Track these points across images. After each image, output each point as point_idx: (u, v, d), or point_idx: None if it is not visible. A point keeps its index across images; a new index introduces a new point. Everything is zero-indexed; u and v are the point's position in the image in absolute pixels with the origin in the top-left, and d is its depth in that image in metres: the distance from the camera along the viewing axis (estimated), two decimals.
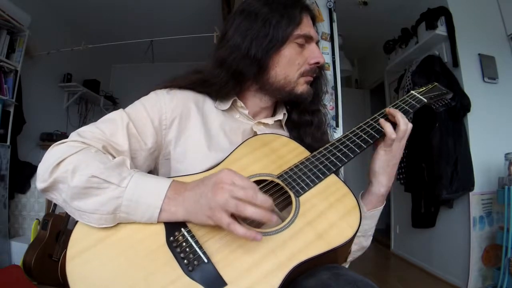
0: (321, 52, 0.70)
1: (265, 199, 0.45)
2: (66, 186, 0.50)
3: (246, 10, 0.68)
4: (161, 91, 0.68)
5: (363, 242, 0.68)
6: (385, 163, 0.64)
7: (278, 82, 0.68)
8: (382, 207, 0.67)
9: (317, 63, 0.69)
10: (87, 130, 0.58)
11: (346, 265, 0.68)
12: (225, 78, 0.67)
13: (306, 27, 0.68)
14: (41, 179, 0.52)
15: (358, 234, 0.63)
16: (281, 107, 0.78)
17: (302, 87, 0.69)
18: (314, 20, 0.73)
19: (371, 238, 0.69)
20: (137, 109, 0.64)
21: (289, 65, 0.67)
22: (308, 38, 0.68)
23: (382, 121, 0.64)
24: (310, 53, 0.68)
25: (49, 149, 0.55)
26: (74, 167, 0.50)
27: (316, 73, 0.72)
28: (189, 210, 0.49)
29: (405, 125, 0.62)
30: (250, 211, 0.44)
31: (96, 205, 0.48)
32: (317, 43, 0.72)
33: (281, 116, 0.76)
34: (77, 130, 0.58)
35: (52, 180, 0.50)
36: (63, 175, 0.50)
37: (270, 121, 0.74)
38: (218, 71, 0.68)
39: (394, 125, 0.63)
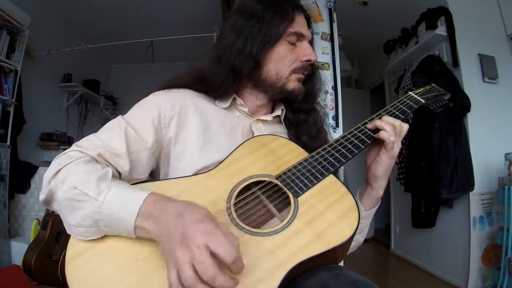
0: (313, 50, 0.71)
1: (225, 283, 0.38)
2: (56, 197, 0.50)
3: (241, 9, 0.70)
4: (159, 91, 0.69)
5: (360, 238, 0.71)
6: (388, 168, 0.64)
7: (270, 78, 0.69)
8: (378, 206, 0.69)
9: (309, 60, 0.70)
10: (85, 140, 0.59)
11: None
12: (223, 74, 0.68)
13: (298, 25, 0.69)
14: (42, 191, 0.53)
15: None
16: (279, 103, 0.78)
17: (293, 84, 0.71)
18: (309, 19, 0.74)
19: (366, 232, 0.72)
20: (136, 112, 0.65)
21: (281, 62, 0.68)
22: (300, 36, 0.70)
23: (373, 128, 0.64)
24: (302, 51, 0.69)
25: (53, 160, 0.55)
26: (63, 178, 0.50)
27: (308, 71, 0.73)
28: (158, 238, 0.45)
29: (391, 128, 0.61)
30: None
31: (78, 219, 0.48)
32: (311, 42, 0.73)
33: (279, 112, 0.77)
34: (77, 142, 0.59)
35: (47, 191, 0.51)
36: (54, 187, 0.51)
37: (269, 117, 0.74)
38: (216, 67, 0.69)
39: None
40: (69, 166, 0.52)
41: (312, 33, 0.75)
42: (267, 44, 0.66)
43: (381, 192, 0.66)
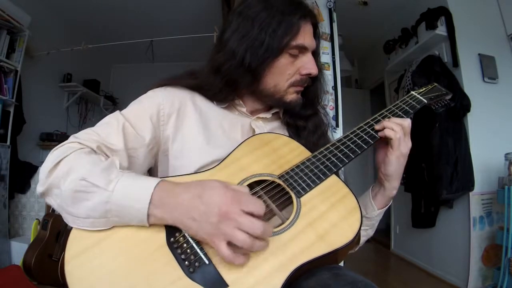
0: (314, 63, 0.68)
1: (269, 231, 0.45)
2: (59, 191, 0.49)
3: (244, 13, 0.66)
4: (158, 88, 0.69)
5: (370, 233, 0.71)
6: (398, 167, 0.63)
7: (268, 90, 0.68)
8: (390, 203, 0.69)
9: (309, 74, 0.68)
10: (83, 133, 0.58)
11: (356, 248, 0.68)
12: (219, 86, 0.67)
13: (302, 37, 0.65)
14: (40, 183, 0.52)
15: (366, 227, 0.66)
16: None
17: (291, 96, 0.69)
18: (316, 27, 0.70)
19: (376, 227, 0.72)
20: (134, 108, 0.65)
21: (280, 75, 0.67)
22: (303, 49, 0.67)
23: (381, 128, 0.64)
24: (303, 64, 0.67)
25: (50, 152, 0.55)
26: (67, 171, 0.49)
27: (308, 83, 0.71)
28: (181, 223, 0.47)
29: (399, 128, 0.61)
30: (257, 246, 0.44)
31: (87, 210, 0.47)
32: (315, 50, 0.70)
33: (277, 108, 0.76)
34: (75, 134, 0.58)
35: (48, 184, 0.51)
36: (56, 180, 0.50)
37: (268, 115, 0.74)
38: (212, 78, 0.68)
39: None
40: (70, 157, 0.51)
41: (319, 37, 0.72)
42: (268, 58, 0.64)
43: (394, 192, 0.67)
